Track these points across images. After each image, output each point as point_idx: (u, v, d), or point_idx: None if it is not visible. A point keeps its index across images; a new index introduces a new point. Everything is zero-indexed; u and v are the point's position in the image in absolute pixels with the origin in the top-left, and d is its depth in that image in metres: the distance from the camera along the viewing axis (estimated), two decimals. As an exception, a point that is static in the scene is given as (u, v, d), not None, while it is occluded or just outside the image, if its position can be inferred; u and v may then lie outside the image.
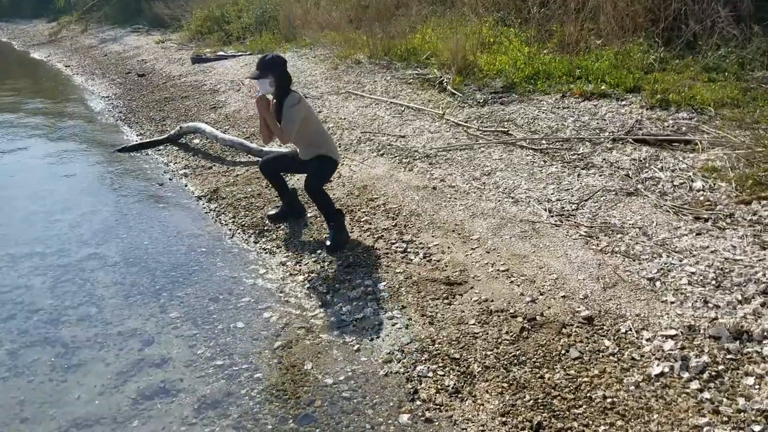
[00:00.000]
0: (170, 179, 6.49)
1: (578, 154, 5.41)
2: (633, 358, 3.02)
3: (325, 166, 4.57)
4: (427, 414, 2.89)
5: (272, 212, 5.11)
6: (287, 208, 5.04)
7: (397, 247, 4.39)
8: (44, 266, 4.62)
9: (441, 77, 8.03)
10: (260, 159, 5.32)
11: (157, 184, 6.38)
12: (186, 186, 6.25)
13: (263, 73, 4.34)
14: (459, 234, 4.45)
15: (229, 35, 15.14)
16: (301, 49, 11.81)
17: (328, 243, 4.47)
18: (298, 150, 4.66)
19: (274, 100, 4.50)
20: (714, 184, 4.55)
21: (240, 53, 12.89)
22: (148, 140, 7.81)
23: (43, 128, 9.28)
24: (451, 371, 3.13)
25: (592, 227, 4.26)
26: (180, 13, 18.08)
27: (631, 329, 3.22)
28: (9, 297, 4.21)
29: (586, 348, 3.14)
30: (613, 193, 4.67)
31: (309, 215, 5.09)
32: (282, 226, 5.00)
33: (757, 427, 2.54)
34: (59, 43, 20.83)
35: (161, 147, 7.59)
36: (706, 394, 2.74)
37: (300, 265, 4.40)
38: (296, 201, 5.09)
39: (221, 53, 13.11)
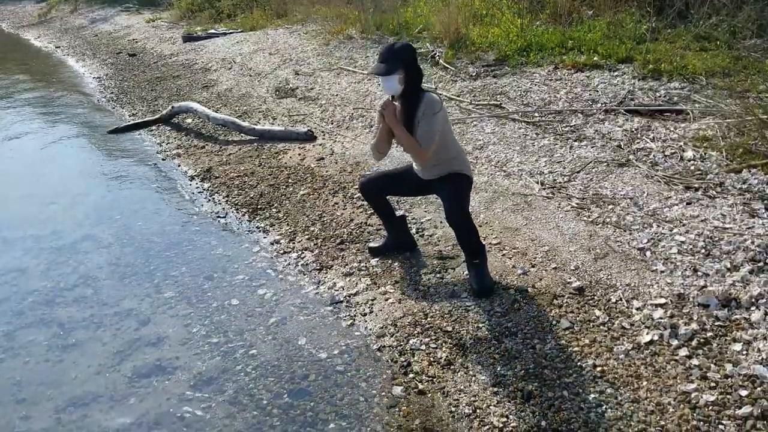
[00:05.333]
0: (163, 159, 6.47)
1: (570, 126, 5.41)
2: (623, 327, 3.06)
3: (462, 185, 3.55)
4: (420, 386, 2.93)
5: (374, 244, 4.11)
6: (393, 239, 4.04)
7: (389, 222, 4.40)
8: (38, 249, 4.63)
9: (433, 51, 7.97)
10: (363, 178, 4.00)
11: (150, 165, 6.36)
12: (179, 166, 6.24)
13: (392, 66, 3.26)
14: (451, 208, 4.45)
15: (220, 13, 15.00)
16: (293, 25, 11.70)
17: (474, 285, 3.49)
18: (415, 166, 3.69)
19: (396, 103, 3.46)
20: (705, 154, 4.55)
21: (231, 31, 12.78)
22: (140, 121, 7.77)
23: (35, 111, 9.22)
24: (443, 344, 3.16)
25: (583, 199, 4.28)
26: (170, -9, 17.85)
27: (621, 299, 3.25)
28: (3, 279, 4.23)
29: (577, 318, 3.17)
30: (605, 164, 4.68)
31: (303, 192, 5.10)
32: (276, 206, 5.00)
33: (744, 392, 2.57)
34: (49, 23, 20.59)
35: (153, 127, 7.56)
36: (695, 361, 2.78)
37: (293, 243, 4.42)
38: (405, 231, 4.08)
39: (212, 31, 12.98)
